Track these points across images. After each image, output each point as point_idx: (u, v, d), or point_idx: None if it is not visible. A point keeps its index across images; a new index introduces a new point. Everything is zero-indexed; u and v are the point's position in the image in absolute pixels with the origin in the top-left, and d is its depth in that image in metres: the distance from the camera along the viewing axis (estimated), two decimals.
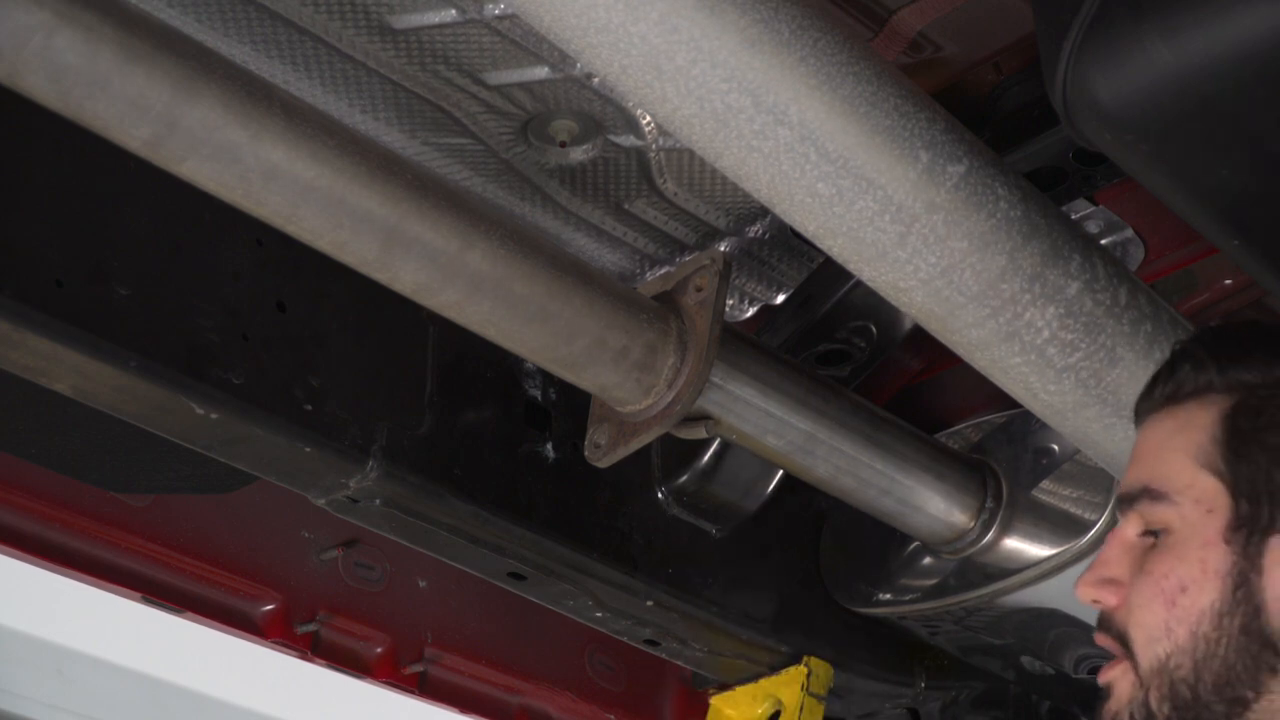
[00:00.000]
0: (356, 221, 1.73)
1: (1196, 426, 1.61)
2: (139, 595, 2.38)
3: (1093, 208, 2.21)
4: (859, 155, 1.73)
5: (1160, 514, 1.60)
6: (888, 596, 2.53)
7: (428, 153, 2.14)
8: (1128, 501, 1.64)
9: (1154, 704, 1.57)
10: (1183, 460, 1.60)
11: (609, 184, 2.20)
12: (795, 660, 2.53)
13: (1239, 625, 1.55)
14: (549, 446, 2.25)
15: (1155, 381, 1.68)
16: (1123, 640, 1.60)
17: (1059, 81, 1.69)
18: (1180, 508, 1.59)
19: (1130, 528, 1.63)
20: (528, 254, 1.85)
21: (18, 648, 5.32)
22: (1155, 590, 1.58)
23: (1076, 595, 1.66)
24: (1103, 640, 1.64)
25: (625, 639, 2.45)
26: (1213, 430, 1.60)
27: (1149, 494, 1.61)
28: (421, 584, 2.61)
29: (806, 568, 2.57)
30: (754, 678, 2.57)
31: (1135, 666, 1.59)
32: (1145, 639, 1.58)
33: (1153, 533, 1.61)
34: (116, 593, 2.38)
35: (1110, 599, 1.61)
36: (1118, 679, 1.61)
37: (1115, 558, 1.63)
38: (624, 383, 1.96)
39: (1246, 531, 1.56)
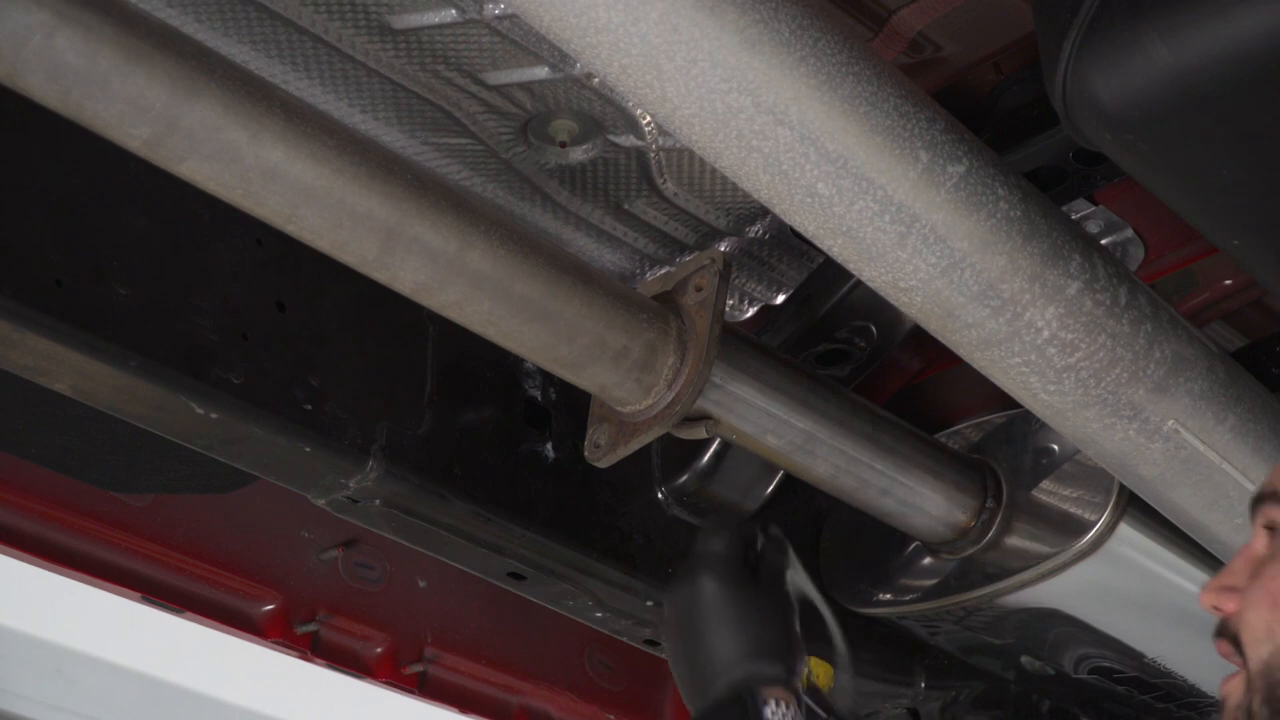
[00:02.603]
0: (356, 221, 1.73)
1: None
2: (139, 595, 2.38)
3: (1093, 208, 2.21)
4: (859, 155, 1.73)
5: (1278, 516, 1.68)
6: (888, 596, 2.53)
7: (428, 153, 2.14)
8: (1255, 505, 1.72)
9: (1255, 705, 1.61)
10: None
11: (609, 184, 2.20)
12: None
13: None
14: (549, 446, 2.25)
15: None
16: (1235, 644, 1.65)
17: (1059, 81, 1.69)
18: None
19: (1259, 539, 1.70)
20: (528, 254, 1.85)
21: (18, 648, 5.32)
22: (1263, 592, 1.64)
23: (1200, 602, 1.71)
24: (1222, 648, 1.69)
25: (625, 639, 2.45)
26: None
27: (1275, 496, 1.69)
28: (421, 584, 2.61)
29: (806, 568, 2.56)
30: None
31: (1246, 670, 1.63)
32: (1251, 639, 1.63)
33: (1272, 533, 1.68)
34: (116, 593, 2.38)
35: (1228, 605, 1.68)
36: (1234, 689, 1.66)
37: (1240, 568, 1.70)
38: (624, 383, 1.96)
39: None
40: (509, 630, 2.68)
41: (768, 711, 1.73)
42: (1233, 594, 1.67)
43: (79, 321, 1.80)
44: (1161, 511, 2.19)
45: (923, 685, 2.74)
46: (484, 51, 1.98)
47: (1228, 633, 1.67)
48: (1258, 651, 1.62)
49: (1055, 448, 2.39)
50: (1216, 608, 1.69)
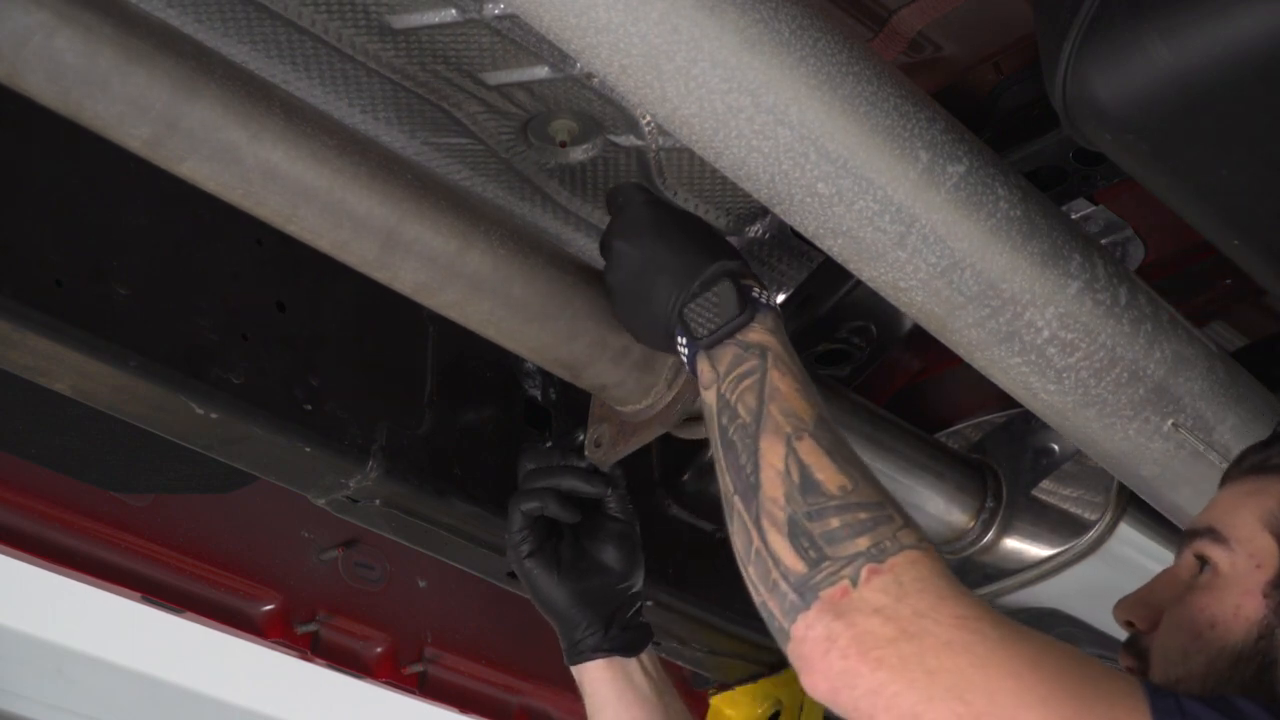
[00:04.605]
0: (356, 221, 1.73)
1: (1271, 494, 1.71)
2: (139, 595, 2.38)
3: (1093, 208, 2.21)
4: (859, 155, 1.73)
5: (1215, 553, 1.70)
6: None
7: (428, 153, 2.14)
8: (1189, 537, 1.74)
9: None
10: (1250, 518, 1.70)
11: (609, 184, 2.20)
12: None
13: (1251, 673, 1.62)
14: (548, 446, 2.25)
15: (1248, 451, 1.81)
16: (1142, 659, 1.68)
17: (1059, 81, 1.69)
18: (1234, 555, 1.68)
19: (1184, 566, 1.72)
20: (528, 254, 1.85)
21: (18, 648, 5.32)
22: (1186, 619, 1.66)
23: (1114, 615, 1.73)
24: (1126, 661, 1.71)
25: None
26: None
27: (1212, 534, 1.71)
28: (421, 584, 2.61)
29: None
30: (754, 678, 2.57)
31: None
32: (1162, 660, 1.66)
33: (1202, 565, 1.70)
34: (116, 593, 2.38)
35: (1143, 622, 1.70)
36: None
37: (1160, 588, 1.72)
38: (624, 382, 1.96)
39: None
40: (509, 630, 2.68)
41: (754, 292, 1.75)
42: (1150, 612, 1.71)
43: (79, 321, 1.80)
44: (1161, 511, 2.19)
45: None
46: (484, 51, 1.98)
47: (1136, 648, 1.70)
48: (1169, 672, 1.65)
49: (1055, 448, 2.39)
50: (1131, 623, 1.72)
